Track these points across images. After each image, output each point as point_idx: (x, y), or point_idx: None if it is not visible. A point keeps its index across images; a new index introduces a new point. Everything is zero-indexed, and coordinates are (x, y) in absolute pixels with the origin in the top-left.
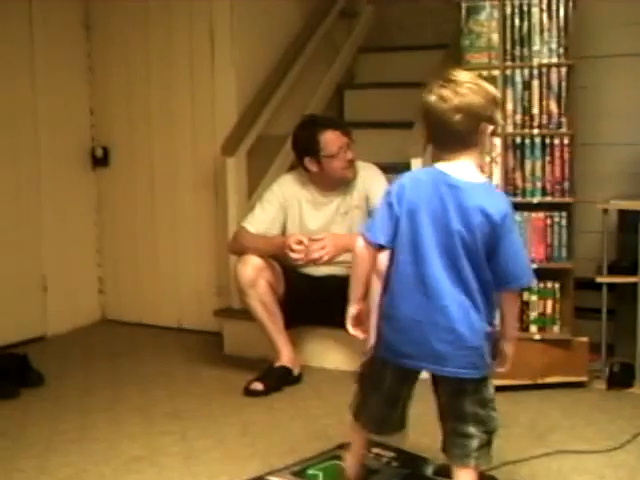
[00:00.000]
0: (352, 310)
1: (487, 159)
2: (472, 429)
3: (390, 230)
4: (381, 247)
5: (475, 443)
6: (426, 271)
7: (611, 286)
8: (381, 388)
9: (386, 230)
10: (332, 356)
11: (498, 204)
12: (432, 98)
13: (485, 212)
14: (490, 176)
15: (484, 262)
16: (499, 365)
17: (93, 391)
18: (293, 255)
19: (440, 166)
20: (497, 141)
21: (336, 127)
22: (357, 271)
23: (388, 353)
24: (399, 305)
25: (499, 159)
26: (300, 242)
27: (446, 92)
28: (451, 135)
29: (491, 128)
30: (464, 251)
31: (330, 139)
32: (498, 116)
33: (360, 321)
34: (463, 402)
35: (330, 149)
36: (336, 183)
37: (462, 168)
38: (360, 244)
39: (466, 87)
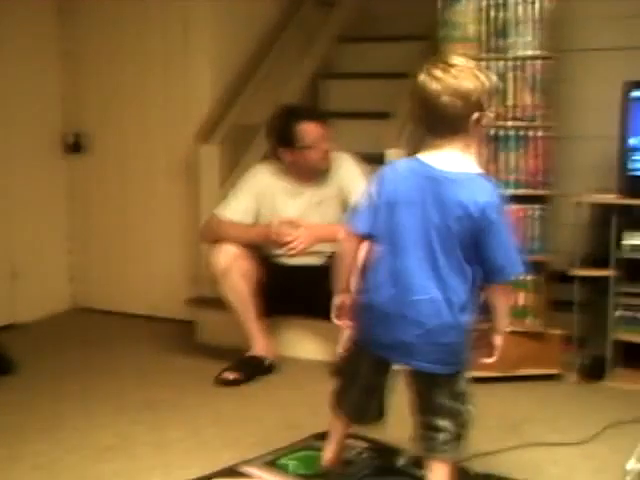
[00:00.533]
0: (336, 300)
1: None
2: (442, 422)
3: (371, 220)
4: (364, 237)
5: (443, 436)
6: (401, 263)
7: (585, 279)
8: (358, 377)
9: (367, 220)
10: (307, 346)
11: (479, 195)
12: (424, 77)
13: (464, 205)
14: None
15: (464, 257)
16: (487, 356)
17: (64, 380)
18: (281, 238)
19: (423, 157)
20: None
21: (313, 118)
22: (342, 261)
23: (363, 342)
24: (373, 295)
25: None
26: (283, 222)
27: (438, 72)
28: (440, 117)
29: (480, 114)
30: (442, 246)
31: (307, 130)
32: (488, 105)
33: (344, 311)
34: (434, 395)
35: (307, 140)
36: (310, 173)
37: (446, 157)
38: (344, 234)
39: (459, 69)
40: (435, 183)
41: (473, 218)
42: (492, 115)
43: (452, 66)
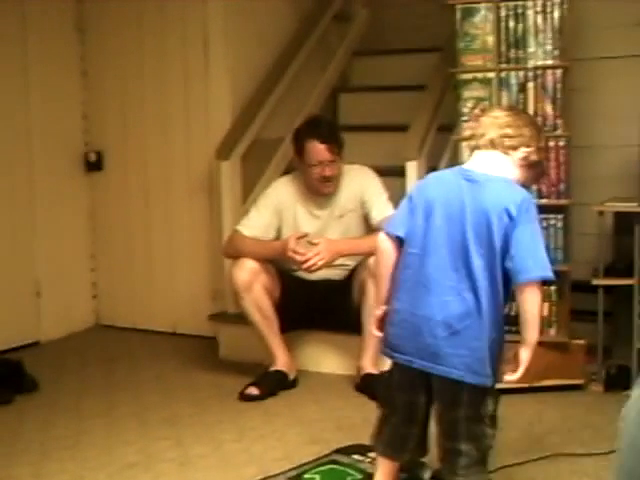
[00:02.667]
0: (377, 312)
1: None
2: (463, 445)
3: (408, 223)
4: (400, 240)
5: (464, 461)
6: (433, 264)
7: (608, 288)
8: (396, 405)
9: (405, 223)
10: (328, 360)
11: (514, 196)
12: (499, 108)
13: (501, 205)
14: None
15: (498, 260)
16: (512, 372)
17: (88, 397)
18: (296, 257)
19: (466, 164)
20: None
21: (326, 141)
22: (380, 268)
23: (386, 348)
24: (401, 297)
25: None
26: (300, 238)
27: (512, 109)
28: (492, 140)
29: (529, 154)
30: (476, 247)
31: (313, 150)
32: (539, 160)
33: (383, 323)
34: (457, 414)
35: (310, 159)
36: (313, 191)
37: (486, 162)
38: (382, 238)
39: (531, 119)
40: (472, 184)
41: (508, 217)
42: (536, 160)
43: (526, 113)
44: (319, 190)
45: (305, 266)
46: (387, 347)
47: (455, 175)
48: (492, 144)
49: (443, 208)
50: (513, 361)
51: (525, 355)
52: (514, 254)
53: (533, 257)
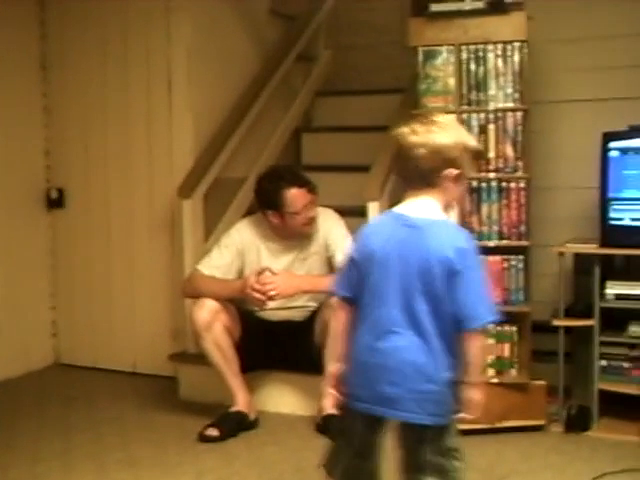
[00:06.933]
0: (331, 368)
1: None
2: (429, 479)
3: (353, 282)
4: (348, 300)
5: None
6: (381, 313)
7: (568, 329)
8: (351, 439)
9: (349, 282)
10: (288, 401)
11: (455, 240)
12: (402, 130)
13: (442, 250)
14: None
15: (444, 304)
16: (465, 411)
17: (45, 438)
18: (255, 295)
19: (398, 208)
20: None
21: (302, 184)
22: (335, 328)
23: (349, 398)
24: (356, 348)
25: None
26: (261, 272)
27: (418, 127)
28: (414, 170)
29: (455, 173)
30: (422, 293)
31: (295, 196)
32: (467, 164)
33: (339, 381)
34: (423, 451)
35: (295, 206)
36: (295, 236)
37: (421, 206)
38: (335, 299)
39: (440, 126)
40: (412, 230)
41: (450, 262)
42: (471, 175)
43: (433, 122)
44: (303, 233)
45: (263, 296)
46: (348, 396)
47: (391, 222)
48: (414, 185)
49: (386, 258)
50: (466, 401)
51: (473, 394)
52: (459, 301)
53: (476, 303)
